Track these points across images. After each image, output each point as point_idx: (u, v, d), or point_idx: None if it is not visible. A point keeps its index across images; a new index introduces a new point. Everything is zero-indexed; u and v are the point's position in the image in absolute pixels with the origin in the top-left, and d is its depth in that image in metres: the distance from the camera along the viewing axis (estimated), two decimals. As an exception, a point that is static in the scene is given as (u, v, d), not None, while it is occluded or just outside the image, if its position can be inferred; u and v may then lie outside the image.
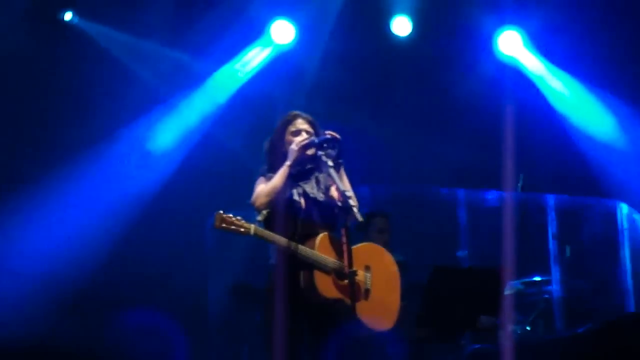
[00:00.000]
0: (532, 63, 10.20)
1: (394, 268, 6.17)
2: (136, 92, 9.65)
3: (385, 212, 8.57)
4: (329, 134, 5.97)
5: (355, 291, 5.70)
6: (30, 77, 9.34)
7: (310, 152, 5.96)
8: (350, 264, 5.65)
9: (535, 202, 10.65)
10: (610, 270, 10.68)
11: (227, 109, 10.05)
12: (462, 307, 7.45)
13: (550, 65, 10.19)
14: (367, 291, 5.94)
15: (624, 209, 10.83)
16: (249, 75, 10.07)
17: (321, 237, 5.84)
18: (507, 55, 10.09)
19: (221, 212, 5.69)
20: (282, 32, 9.91)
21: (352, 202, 5.68)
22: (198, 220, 9.55)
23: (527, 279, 9.54)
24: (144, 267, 9.67)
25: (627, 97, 9.92)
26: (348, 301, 5.63)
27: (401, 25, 9.97)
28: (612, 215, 10.87)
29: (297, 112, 6.21)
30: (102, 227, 9.43)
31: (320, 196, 5.98)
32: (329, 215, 5.95)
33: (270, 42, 9.99)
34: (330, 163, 5.83)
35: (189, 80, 10.01)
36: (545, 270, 10.23)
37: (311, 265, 5.75)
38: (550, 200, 10.86)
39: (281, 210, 5.86)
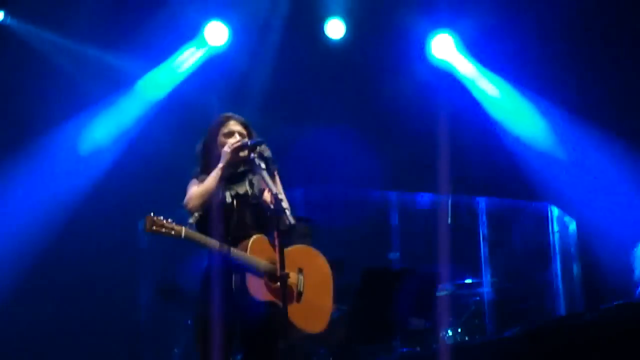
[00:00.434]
0: (464, 66, 10.28)
1: (327, 270, 6.16)
2: (68, 93, 9.57)
3: (308, 217, 8.54)
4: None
5: (288, 294, 5.68)
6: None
7: (243, 154, 5.92)
8: (283, 267, 5.62)
9: (467, 205, 10.73)
10: (541, 273, 10.80)
11: (160, 109, 9.99)
12: (393, 309, 7.49)
13: (483, 69, 10.28)
14: (300, 294, 5.93)
15: (554, 212, 10.95)
16: (183, 77, 10.02)
17: (254, 239, 5.80)
18: (439, 59, 10.17)
19: (151, 214, 5.62)
20: (216, 33, 9.88)
21: (284, 204, 5.66)
22: (130, 222, 9.49)
23: (458, 282, 9.63)
24: (74, 270, 9.59)
25: (558, 100, 10.02)
26: (280, 304, 5.61)
27: (335, 28, 10.01)
28: (543, 219, 10.99)
29: (230, 113, 6.16)
30: (31, 229, 9.34)
31: (253, 199, 5.96)
32: (262, 217, 5.92)
33: (204, 44, 9.95)
34: (263, 165, 5.80)
35: (122, 81, 9.93)
36: (476, 273, 10.32)
37: (243, 268, 5.73)
38: (482, 203, 10.95)
39: (214, 212, 5.82)
